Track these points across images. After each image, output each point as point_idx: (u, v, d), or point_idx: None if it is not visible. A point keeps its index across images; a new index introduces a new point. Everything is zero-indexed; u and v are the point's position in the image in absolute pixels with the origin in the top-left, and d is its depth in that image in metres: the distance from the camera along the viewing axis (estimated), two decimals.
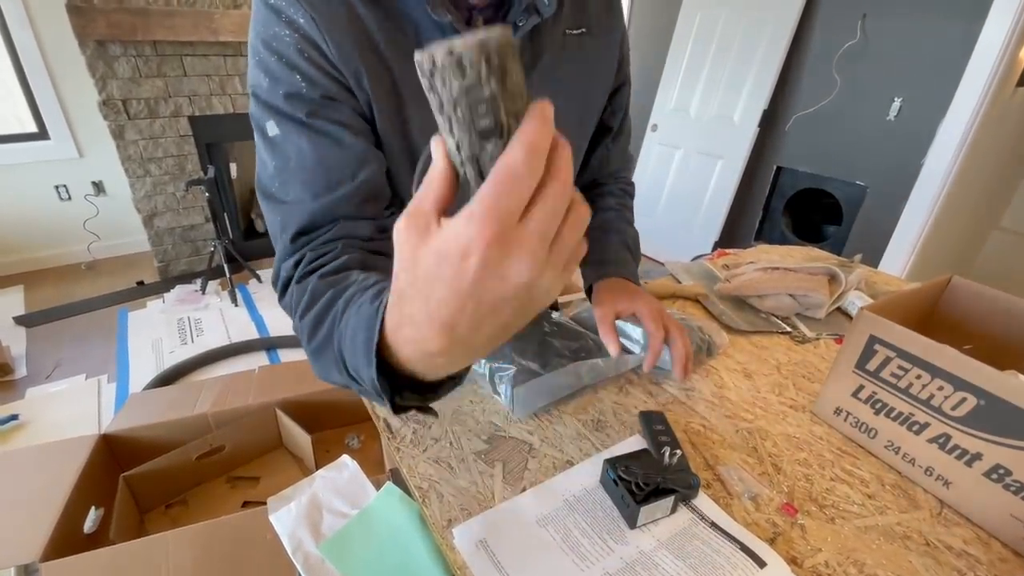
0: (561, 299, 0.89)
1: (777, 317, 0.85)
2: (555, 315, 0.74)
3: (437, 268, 0.23)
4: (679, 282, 0.96)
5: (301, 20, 0.45)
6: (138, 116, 2.33)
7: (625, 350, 0.66)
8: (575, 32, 0.58)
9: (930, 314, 0.68)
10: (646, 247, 3.12)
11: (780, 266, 0.90)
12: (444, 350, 0.26)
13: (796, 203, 2.68)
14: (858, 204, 2.37)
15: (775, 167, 2.64)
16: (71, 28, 2.03)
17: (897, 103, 2.15)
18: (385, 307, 0.30)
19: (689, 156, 2.86)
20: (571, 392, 0.64)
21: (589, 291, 0.71)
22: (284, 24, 0.46)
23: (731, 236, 2.90)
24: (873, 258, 2.32)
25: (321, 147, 0.47)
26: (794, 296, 0.83)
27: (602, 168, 0.75)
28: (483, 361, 0.64)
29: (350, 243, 0.48)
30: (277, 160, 0.48)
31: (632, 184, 0.82)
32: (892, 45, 2.13)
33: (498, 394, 0.62)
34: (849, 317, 0.86)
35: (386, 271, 0.44)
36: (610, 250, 0.71)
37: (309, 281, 0.45)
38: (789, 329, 0.82)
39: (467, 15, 0.51)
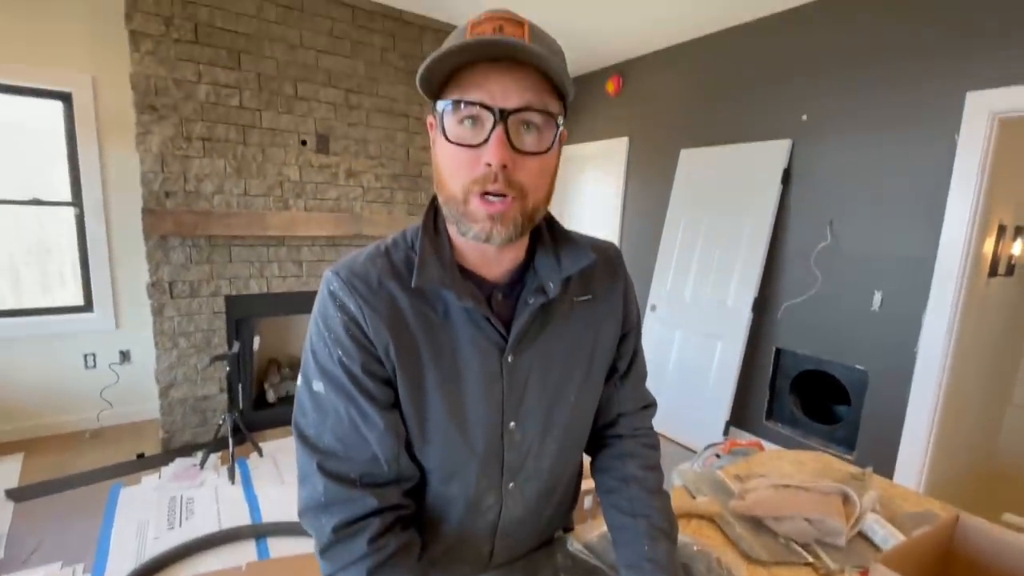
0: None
1: (796, 543, 0.83)
2: (570, 544, 0.74)
3: None
4: (693, 496, 0.95)
5: (351, 305, 0.59)
6: (180, 296, 2.55)
7: None
8: (582, 299, 0.68)
9: (947, 553, 0.67)
10: (656, 422, 3.08)
11: (792, 483, 0.91)
12: None
13: (802, 383, 2.71)
14: (862, 387, 2.40)
15: (775, 348, 2.74)
16: (141, 225, 2.35)
17: (879, 295, 2.32)
18: None
19: (689, 337, 3.00)
20: None
21: None
22: (337, 308, 0.60)
23: (741, 415, 2.88)
24: (891, 444, 2.27)
25: (352, 414, 0.59)
26: (811, 521, 0.83)
27: (613, 407, 0.77)
28: None
29: (389, 514, 0.60)
30: (317, 413, 0.60)
31: (656, 439, 0.80)
32: (862, 245, 2.39)
33: None
34: (871, 543, 0.84)
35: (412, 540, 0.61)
36: (639, 541, 0.68)
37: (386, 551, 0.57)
38: (811, 559, 0.79)
39: (489, 292, 0.63)
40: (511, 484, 0.67)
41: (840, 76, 2.42)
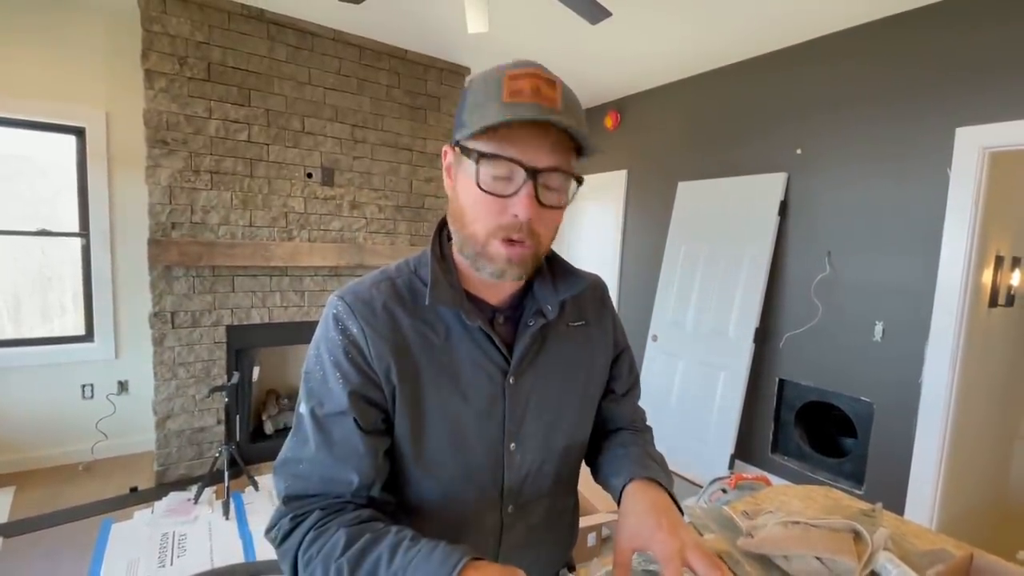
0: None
1: None
2: None
3: None
4: (700, 533, 0.93)
5: (354, 329, 0.61)
6: (181, 326, 2.55)
7: None
8: (576, 324, 0.74)
9: None
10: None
11: (802, 520, 0.89)
12: None
13: (808, 415, 2.68)
14: (868, 419, 2.37)
15: (778, 379, 2.72)
16: (146, 255, 2.37)
17: (880, 326, 2.32)
18: None
19: (691, 367, 2.98)
20: None
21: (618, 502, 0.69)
22: (339, 331, 0.62)
23: (747, 448, 2.83)
24: (899, 479, 2.23)
25: (332, 437, 0.60)
26: (822, 560, 0.81)
27: (609, 423, 0.82)
28: None
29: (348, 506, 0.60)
30: (297, 436, 0.62)
31: (648, 427, 0.86)
32: (861, 276, 2.40)
33: None
34: None
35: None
36: (632, 457, 0.71)
37: (330, 526, 0.56)
38: None
39: (491, 315, 0.67)
40: (510, 507, 0.68)
41: (832, 112, 2.49)
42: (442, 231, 0.68)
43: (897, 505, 2.20)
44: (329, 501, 0.59)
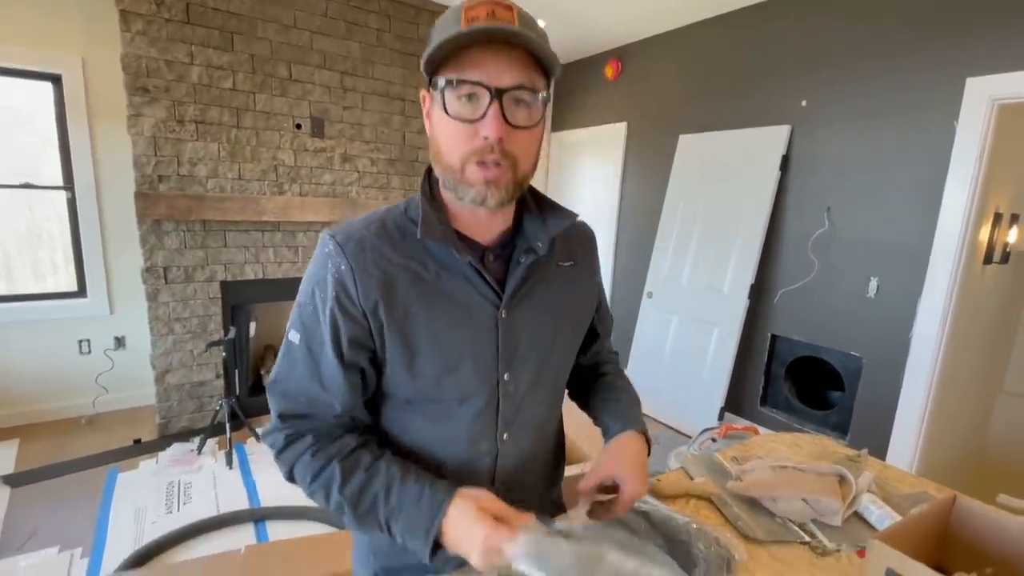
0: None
1: (793, 522, 0.84)
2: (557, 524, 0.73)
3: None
4: (691, 478, 0.96)
5: (342, 266, 0.63)
6: (175, 281, 2.52)
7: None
8: (565, 264, 0.76)
9: (944, 534, 0.68)
10: (652, 408, 3.10)
11: (789, 465, 0.91)
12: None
13: (797, 369, 2.73)
14: (856, 373, 2.42)
15: (770, 335, 2.76)
16: (134, 209, 2.32)
17: (874, 282, 2.33)
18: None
19: (685, 323, 3.01)
20: None
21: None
22: (328, 268, 0.64)
23: (736, 401, 2.90)
24: (883, 430, 2.30)
25: (318, 367, 0.65)
26: (807, 501, 0.83)
27: (593, 359, 0.91)
28: None
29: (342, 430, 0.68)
30: (287, 360, 0.67)
31: (615, 352, 0.96)
32: (859, 232, 2.39)
33: None
34: (866, 523, 0.85)
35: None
36: (625, 405, 0.83)
37: (321, 455, 0.64)
38: (808, 538, 0.80)
39: (480, 254, 0.68)
40: (506, 435, 0.72)
41: (840, 62, 2.40)
42: (431, 174, 0.69)
43: (879, 455, 2.28)
44: (317, 424, 0.66)
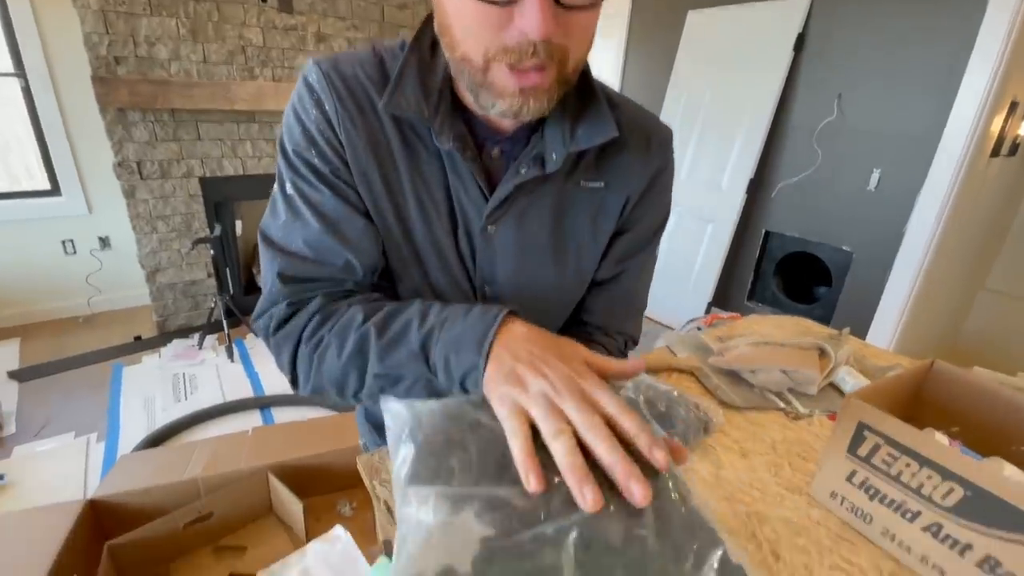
0: None
1: (771, 392, 0.87)
2: None
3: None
4: (675, 354, 0.98)
5: (327, 106, 0.50)
6: (150, 177, 2.41)
7: None
8: (592, 185, 0.58)
9: (917, 397, 0.70)
10: None
11: (771, 341, 0.93)
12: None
13: (787, 265, 2.75)
14: (845, 269, 2.44)
15: (764, 231, 2.74)
16: (94, 96, 2.14)
17: (876, 174, 2.27)
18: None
19: (682, 218, 2.96)
20: None
21: None
22: (313, 103, 0.51)
23: (724, 297, 2.96)
24: (863, 322, 2.37)
25: (328, 217, 0.52)
26: (786, 371, 0.86)
27: (594, 317, 0.70)
28: None
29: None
30: (289, 215, 0.53)
31: (632, 338, 0.77)
32: (868, 121, 2.28)
33: None
34: (841, 392, 0.88)
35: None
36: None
37: (339, 306, 0.51)
38: (783, 405, 0.83)
39: (483, 140, 0.54)
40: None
41: None
42: (430, 23, 0.51)
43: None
44: (331, 288, 0.52)
